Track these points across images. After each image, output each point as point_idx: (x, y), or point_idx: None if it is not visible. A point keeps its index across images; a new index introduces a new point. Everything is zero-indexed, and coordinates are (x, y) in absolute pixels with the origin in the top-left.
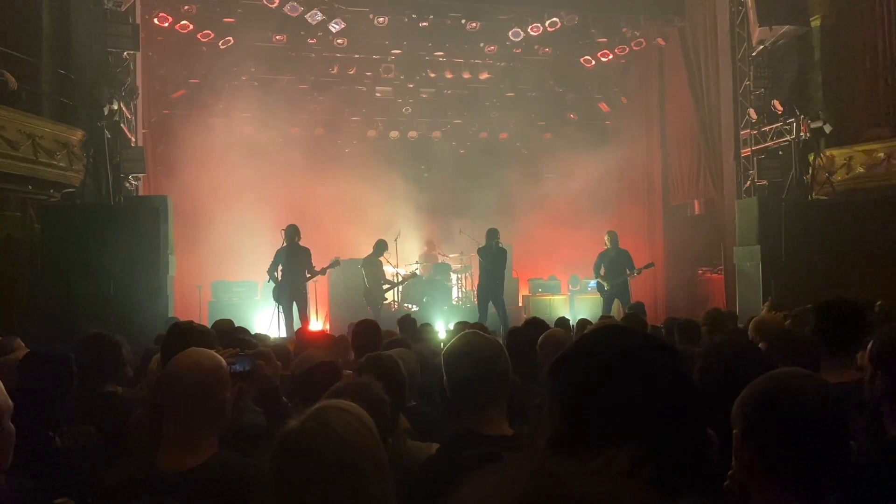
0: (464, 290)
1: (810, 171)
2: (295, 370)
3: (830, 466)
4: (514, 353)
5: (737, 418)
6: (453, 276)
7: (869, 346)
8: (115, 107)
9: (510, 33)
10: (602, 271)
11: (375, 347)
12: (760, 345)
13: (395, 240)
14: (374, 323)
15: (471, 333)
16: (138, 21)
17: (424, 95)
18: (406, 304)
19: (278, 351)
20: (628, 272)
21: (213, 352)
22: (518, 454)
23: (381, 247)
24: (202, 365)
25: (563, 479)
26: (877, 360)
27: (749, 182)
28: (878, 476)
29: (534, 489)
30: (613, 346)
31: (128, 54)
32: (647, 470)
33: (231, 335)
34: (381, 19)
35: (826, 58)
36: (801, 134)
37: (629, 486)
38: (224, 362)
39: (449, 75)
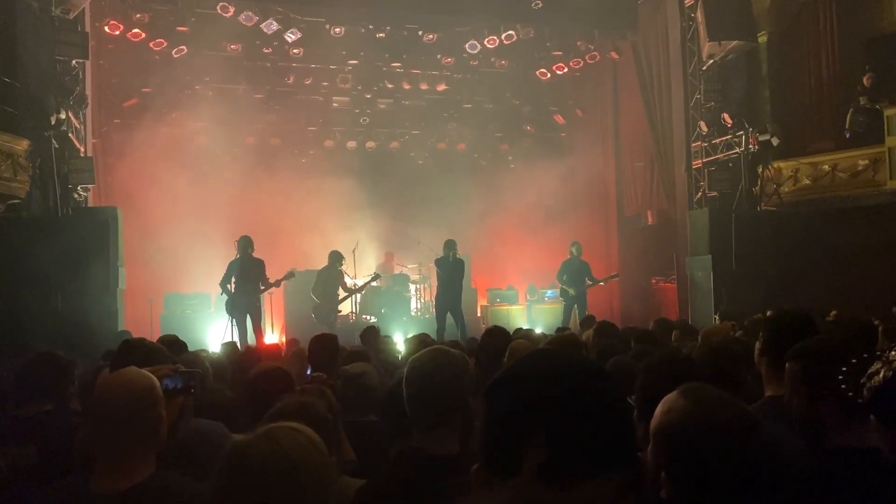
0: (422, 300)
1: (759, 183)
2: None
3: (763, 496)
4: (483, 366)
5: (660, 455)
6: (412, 287)
7: (791, 364)
8: (63, 116)
9: (467, 45)
10: (564, 279)
11: (332, 364)
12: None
13: (354, 251)
14: (331, 338)
15: (435, 350)
16: (88, 29)
17: (382, 106)
18: (364, 316)
19: (216, 365)
20: (589, 282)
21: (145, 370)
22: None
23: (335, 258)
24: (133, 384)
25: None
26: (812, 381)
27: (700, 193)
28: (822, 487)
29: None
30: (547, 371)
31: (77, 62)
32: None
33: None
34: (337, 30)
35: (773, 72)
36: (750, 146)
37: None
38: (156, 380)
39: (406, 86)
